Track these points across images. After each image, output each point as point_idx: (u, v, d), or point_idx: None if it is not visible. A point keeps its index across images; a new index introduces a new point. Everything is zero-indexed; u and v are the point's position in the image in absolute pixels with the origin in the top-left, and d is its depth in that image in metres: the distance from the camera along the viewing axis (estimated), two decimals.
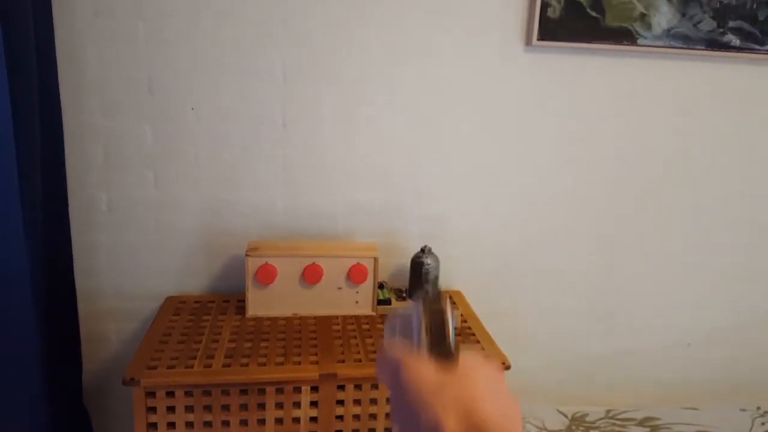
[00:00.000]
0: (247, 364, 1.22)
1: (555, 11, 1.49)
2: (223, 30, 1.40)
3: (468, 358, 0.42)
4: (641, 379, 1.87)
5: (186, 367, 1.20)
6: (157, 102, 1.42)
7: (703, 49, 1.59)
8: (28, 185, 1.22)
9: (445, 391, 0.38)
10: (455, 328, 0.45)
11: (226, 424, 1.20)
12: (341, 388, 1.23)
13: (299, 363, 1.23)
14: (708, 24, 1.57)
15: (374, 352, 1.29)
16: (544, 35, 1.50)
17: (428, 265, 1.49)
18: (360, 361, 1.25)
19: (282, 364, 1.23)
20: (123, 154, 1.44)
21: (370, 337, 1.36)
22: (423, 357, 0.42)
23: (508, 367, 1.26)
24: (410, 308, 0.47)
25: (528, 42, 1.52)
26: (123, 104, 1.41)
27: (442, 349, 0.43)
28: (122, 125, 1.43)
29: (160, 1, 1.36)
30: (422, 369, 0.41)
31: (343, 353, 1.28)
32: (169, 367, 1.20)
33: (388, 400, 0.42)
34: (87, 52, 1.37)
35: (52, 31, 1.32)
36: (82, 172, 1.44)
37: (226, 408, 1.20)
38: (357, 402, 1.25)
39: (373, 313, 1.47)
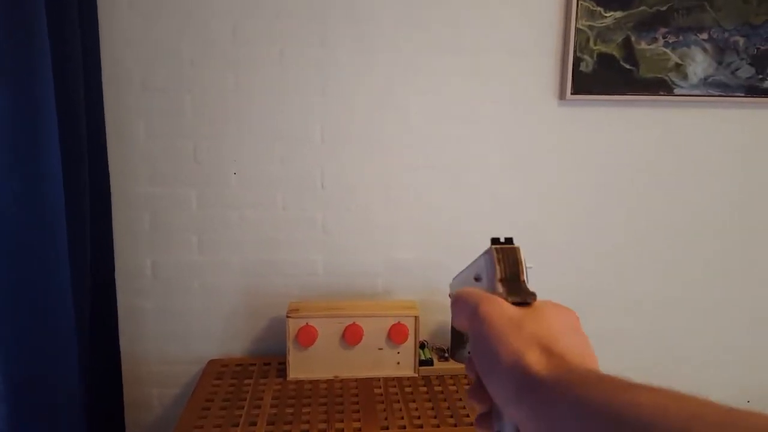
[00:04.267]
0: (289, 431, 1.20)
1: (588, 65, 1.50)
2: (265, 99, 1.45)
3: (544, 302, 0.42)
4: None
5: None
6: (201, 169, 1.47)
7: (742, 96, 1.56)
8: (77, 253, 1.26)
9: (524, 326, 0.39)
10: (527, 273, 0.44)
11: None
12: None
13: (342, 430, 1.20)
14: (746, 71, 1.55)
15: (418, 417, 1.25)
16: (577, 89, 1.51)
17: None
18: (404, 428, 1.21)
19: (324, 431, 1.20)
20: (168, 220, 1.48)
21: (413, 401, 1.32)
22: (500, 299, 0.42)
23: None
24: (475, 263, 0.46)
25: (562, 96, 1.52)
26: (169, 172, 1.46)
27: (518, 291, 0.42)
28: (168, 192, 1.47)
29: (206, 76, 1.43)
30: (501, 305, 0.41)
31: (386, 419, 1.24)
32: None
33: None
34: (135, 124, 1.44)
35: (102, 104, 1.39)
36: (129, 238, 1.48)
37: None
38: None
39: (415, 375, 1.43)
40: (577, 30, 1.48)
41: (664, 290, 1.67)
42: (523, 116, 1.53)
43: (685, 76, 1.53)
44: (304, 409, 1.28)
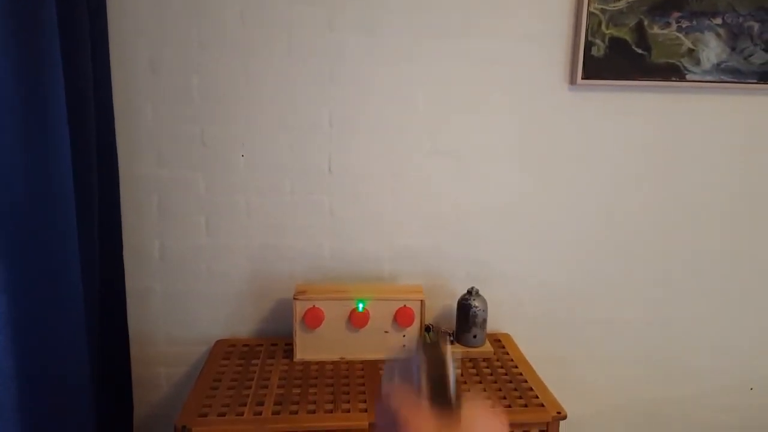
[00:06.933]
0: (296, 412, 1.21)
1: (599, 50, 1.48)
2: (273, 84, 1.45)
3: (471, 409, 0.41)
4: (700, 425, 1.77)
5: (237, 415, 1.20)
6: (209, 152, 1.47)
7: (755, 83, 1.54)
8: (86, 234, 1.27)
9: None
10: (456, 376, 0.44)
11: None
12: None
13: (348, 411, 1.22)
14: (760, 57, 1.53)
15: None
16: (588, 74, 1.49)
17: (476, 308, 1.46)
18: None
19: (331, 411, 1.22)
20: (176, 203, 1.49)
21: None
22: (423, 406, 0.42)
23: (563, 417, 1.21)
24: (410, 354, 0.46)
25: (572, 81, 1.51)
26: (177, 155, 1.46)
27: (442, 398, 0.43)
28: (176, 175, 1.48)
29: (214, 59, 1.42)
30: (424, 416, 0.40)
31: None
32: (219, 415, 1.20)
33: None
34: (143, 107, 1.44)
35: (110, 86, 1.39)
36: (137, 220, 1.49)
37: None
38: None
39: None
40: (589, 13, 1.46)
41: (671, 278, 1.67)
42: (533, 101, 1.52)
43: (698, 62, 1.51)
44: (311, 390, 1.30)
